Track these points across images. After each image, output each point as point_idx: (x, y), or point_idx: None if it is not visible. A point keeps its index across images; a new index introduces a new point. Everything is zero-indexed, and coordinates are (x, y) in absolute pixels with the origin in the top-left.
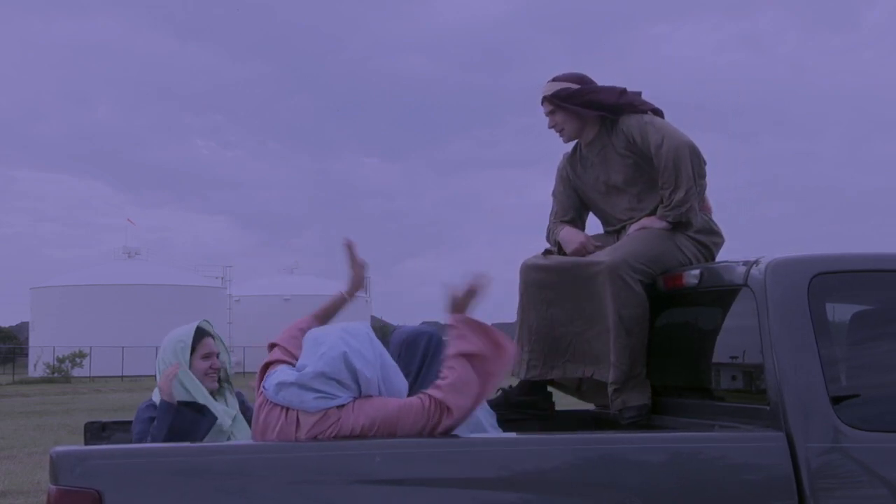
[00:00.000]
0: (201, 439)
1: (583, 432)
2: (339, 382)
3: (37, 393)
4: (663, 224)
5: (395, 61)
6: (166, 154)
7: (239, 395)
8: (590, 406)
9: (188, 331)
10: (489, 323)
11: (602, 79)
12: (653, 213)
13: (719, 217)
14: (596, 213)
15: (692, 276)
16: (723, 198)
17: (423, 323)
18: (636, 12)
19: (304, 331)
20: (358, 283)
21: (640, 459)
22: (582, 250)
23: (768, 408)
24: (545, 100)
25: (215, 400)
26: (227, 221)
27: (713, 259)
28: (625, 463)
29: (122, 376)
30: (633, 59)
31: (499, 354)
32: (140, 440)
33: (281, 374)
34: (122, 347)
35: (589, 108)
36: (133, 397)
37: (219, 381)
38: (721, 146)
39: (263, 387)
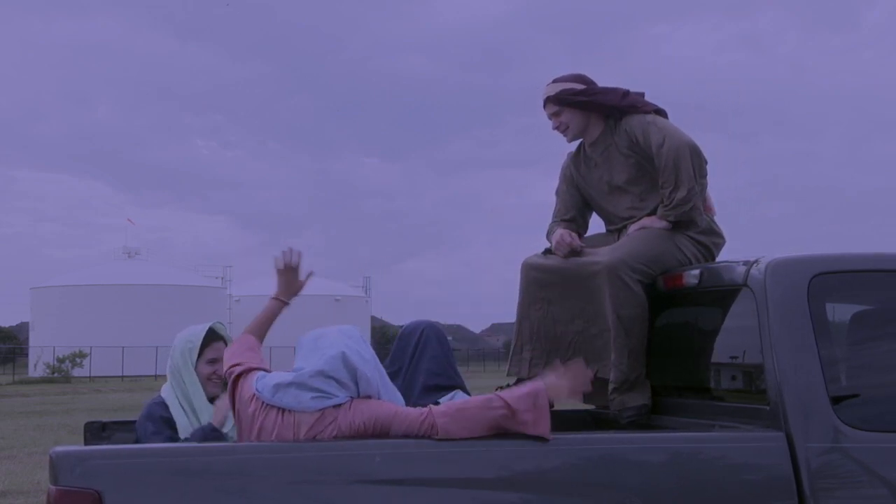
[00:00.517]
0: None
1: (583, 432)
2: (337, 381)
3: (37, 393)
4: (663, 224)
5: (395, 61)
6: (166, 154)
7: None
8: (589, 406)
9: (199, 332)
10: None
11: (602, 79)
12: (654, 212)
13: (719, 217)
14: (598, 213)
15: (692, 276)
16: (723, 198)
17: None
18: (636, 12)
19: (250, 347)
20: (294, 287)
21: (640, 459)
22: (570, 254)
23: (768, 408)
24: (549, 100)
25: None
26: (227, 221)
27: (714, 260)
28: (625, 463)
29: (122, 376)
30: (633, 59)
31: (523, 423)
32: (145, 439)
33: (277, 376)
34: (122, 347)
35: (592, 109)
36: (133, 397)
37: (224, 385)
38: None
39: (257, 389)
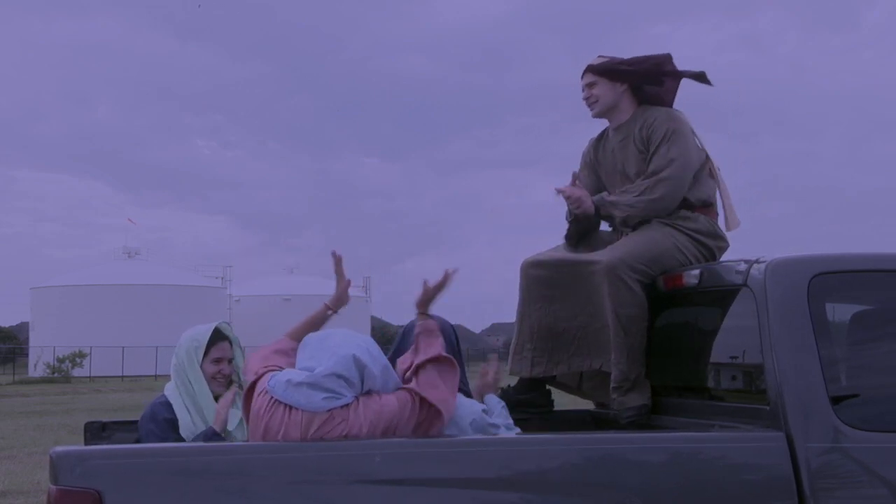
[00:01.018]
0: None
1: (583, 432)
2: (347, 381)
3: (37, 393)
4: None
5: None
6: (166, 154)
7: None
8: (589, 406)
9: (204, 331)
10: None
11: None
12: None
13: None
14: None
15: (692, 276)
16: None
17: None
18: (636, 12)
19: (281, 351)
20: (343, 298)
21: (640, 459)
22: (580, 204)
23: (768, 408)
24: (590, 69)
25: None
26: (227, 221)
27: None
28: (625, 463)
29: (122, 376)
30: None
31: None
32: (147, 439)
33: (289, 373)
34: (122, 347)
35: (629, 82)
36: (133, 397)
37: (229, 383)
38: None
39: (269, 385)
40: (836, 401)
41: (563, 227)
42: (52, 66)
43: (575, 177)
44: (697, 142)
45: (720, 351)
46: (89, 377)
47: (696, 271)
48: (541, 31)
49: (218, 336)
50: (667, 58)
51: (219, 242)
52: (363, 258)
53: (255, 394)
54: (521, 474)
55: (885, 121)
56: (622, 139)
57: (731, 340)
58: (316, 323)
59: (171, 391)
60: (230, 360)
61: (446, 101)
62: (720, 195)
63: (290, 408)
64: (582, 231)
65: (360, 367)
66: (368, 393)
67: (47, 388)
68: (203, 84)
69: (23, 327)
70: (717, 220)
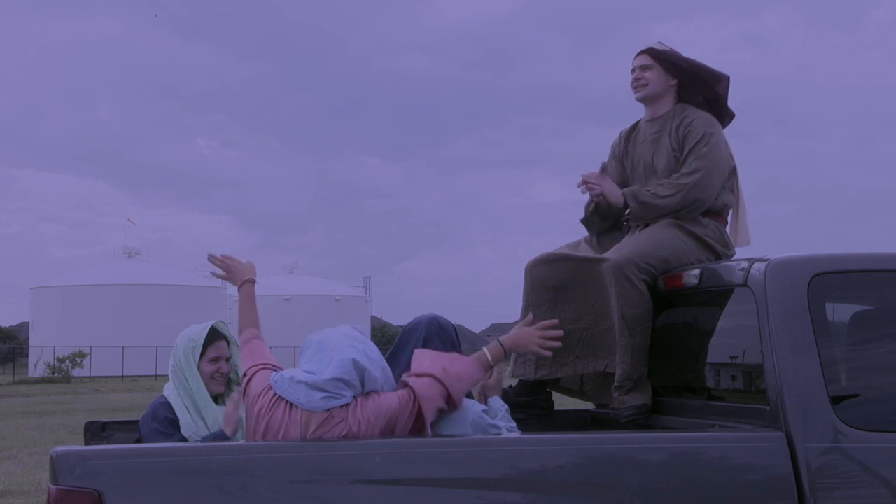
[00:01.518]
0: None
1: (583, 432)
2: (346, 384)
3: (37, 393)
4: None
5: (398, 61)
6: (168, 153)
7: None
8: (589, 406)
9: (201, 331)
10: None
11: (603, 78)
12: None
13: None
14: None
15: (692, 276)
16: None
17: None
18: (640, 11)
19: (254, 344)
20: (247, 269)
21: (640, 459)
22: (600, 194)
23: (768, 408)
24: (649, 52)
25: (219, 403)
26: (228, 221)
27: None
28: (625, 463)
29: (122, 376)
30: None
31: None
32: (148, 439)
33: (293, 372)
34: (123, 347)
35: (680, 78)
36: (133, 397)
37: (228, 383)
38: None
39: (272, 381)
40: (836, 401)
41: (564, 227)
42: (53, 65)
43: (604, 167)
44: (729, 152)
45: (720, 351)
46: (89, 377)
47: (697, 271)
48: (544, 30)
49: (215, 335)
50: (726, 79)
51: (220, 242)
52: (364, 258)
53: (255, 394)
54: (522, 474)
55: (890, 120)
56: (656, 132)
57: (731, 340)
58: (248, 304)
59: (170, 391)
60: (228, 359)
61: (449, 100)
62: (739, 212)
63: (291, 406)
64: (604, 218)
65: (360, 371)
66: (368, 393)
67: (47, 388)
68: (205, 83)
69: (23, 327)
70: (725, 227)
